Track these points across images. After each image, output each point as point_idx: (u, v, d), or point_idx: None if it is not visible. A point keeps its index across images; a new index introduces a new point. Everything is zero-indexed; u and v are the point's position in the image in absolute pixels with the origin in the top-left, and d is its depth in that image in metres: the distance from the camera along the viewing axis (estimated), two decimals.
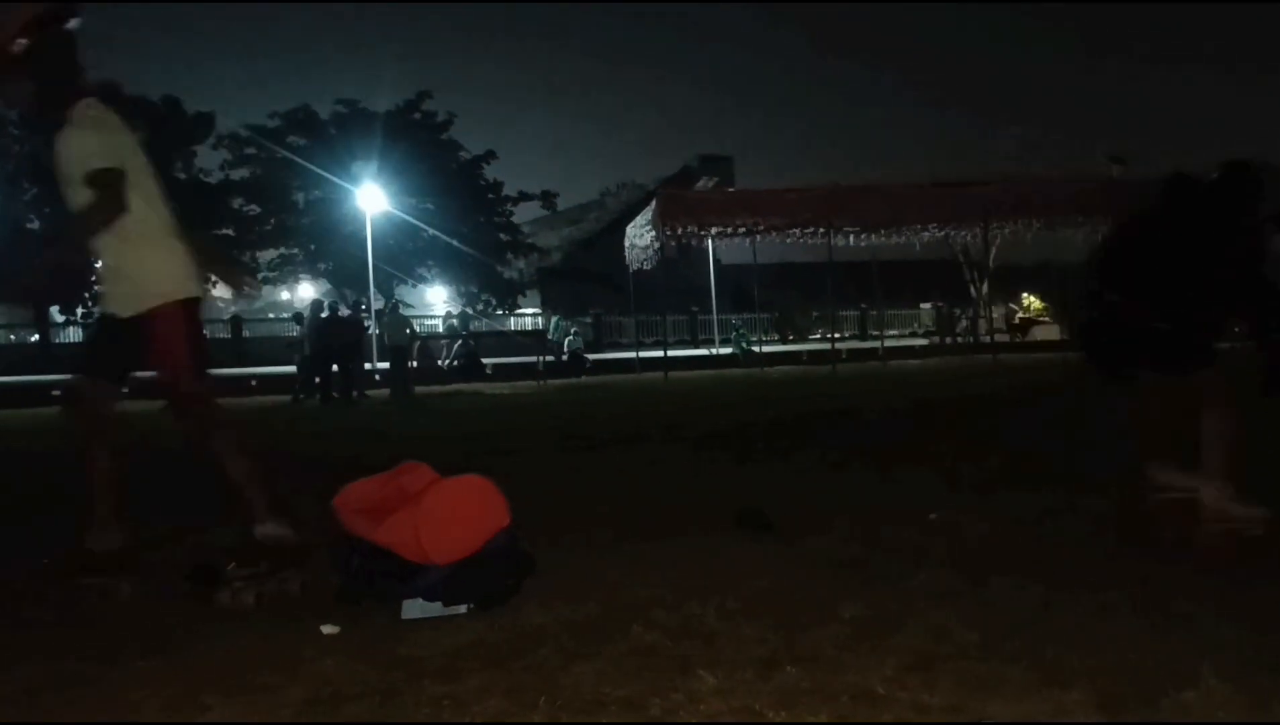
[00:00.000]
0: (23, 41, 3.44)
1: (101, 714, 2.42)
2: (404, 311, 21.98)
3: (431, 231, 38.55)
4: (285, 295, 56.36)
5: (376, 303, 31.04)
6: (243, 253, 39.87)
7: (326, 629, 2.97)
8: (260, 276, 43.13)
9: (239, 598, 3.35)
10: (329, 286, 40.76)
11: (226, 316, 40.82)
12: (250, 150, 39.15)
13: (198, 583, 3.52)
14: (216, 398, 3.97)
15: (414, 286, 42.72)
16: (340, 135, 38.36)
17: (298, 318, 21.39)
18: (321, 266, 40.86)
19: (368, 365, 21.40)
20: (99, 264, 3.73)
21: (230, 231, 38.97)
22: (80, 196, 3.52)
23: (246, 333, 38.64)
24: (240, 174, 39.41)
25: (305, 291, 52.61)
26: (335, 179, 35.45)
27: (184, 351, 3.68)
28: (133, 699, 2.50)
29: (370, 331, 23.47)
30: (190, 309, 3.73)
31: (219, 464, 3.71)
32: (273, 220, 39.68)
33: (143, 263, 3.68)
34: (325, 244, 38.81)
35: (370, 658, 2.74)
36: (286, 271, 42.28)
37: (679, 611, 3.05)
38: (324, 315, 18.39)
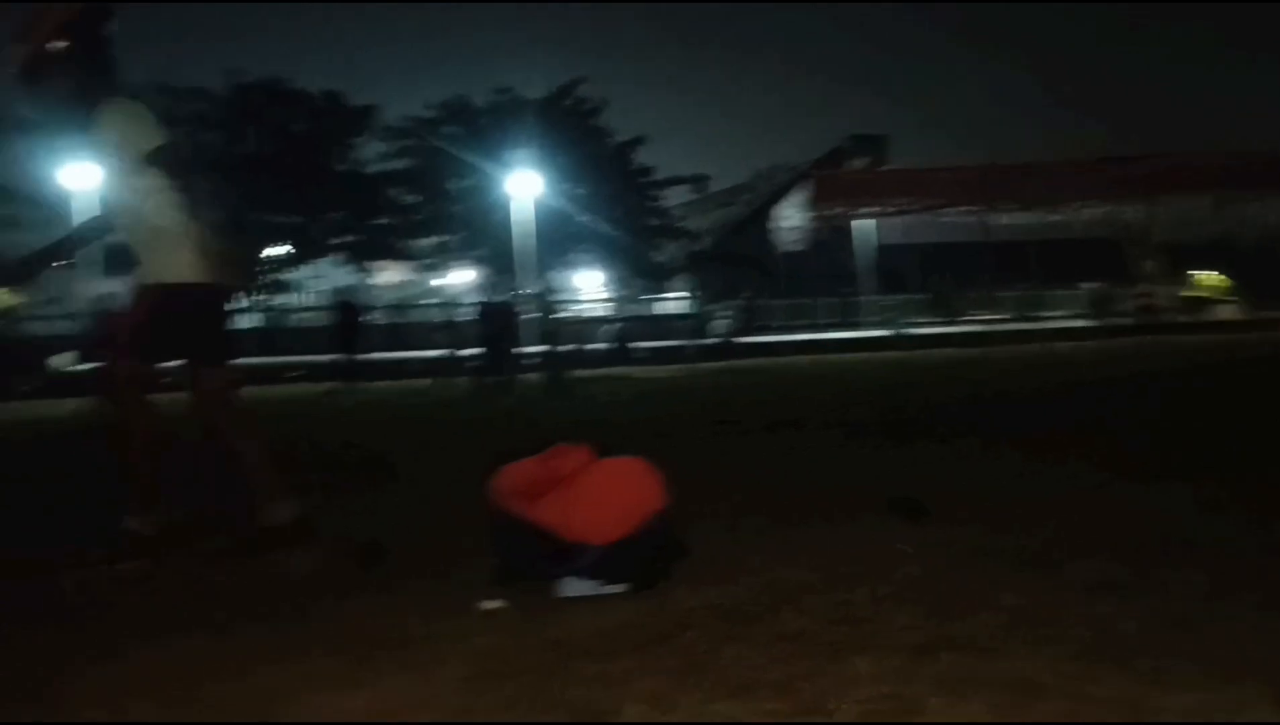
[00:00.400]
0: (60, 43, 3.59)
1: (279, 683, 2.57)
2: (554, 297, 22.34)
3: (582, 217, 39.10)
4: (440, 282, 58.03)
5: (528, 289, 31.71)
6: (401, 241, 41.36)
7: (485, 605, 3.08)
8: (419, 264, 44.70)
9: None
10: (483, 272, 41.85)
11: (385, 302, 42.30)
12: (408, 141, 40.48)
13: (365, 559, 3.71)
14: (236, 385, 4.05)
15: (565, 272, 43.45)
16: (494, 124, 39.24)
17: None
18: (476, 252, 41.99)
19: (521, 350, 21.87)
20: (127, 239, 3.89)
21: (390, 221, 40.48)
22: (116, 180, 3.78)
23: (402, 319, 39.84)
24: (398, 165, 40.78)
25: (459, 278, 54.14)
26: (489, 167, 36.33)
27: (133, 327, 3.79)
28: (305, 670, 2.64)
29: (522, 317, 23.97)
30: (175, 296, 3.77)
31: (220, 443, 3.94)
32: (429, 209, 40.94)
33: (151, 247, 3.81)
34: (479, 231, 39.81)
35: (526, 636, 2.83)
36: (443, 258, 43.60)
37: (829, 596, 3.04)
38: (478, 302, 18.91)
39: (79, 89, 3.66)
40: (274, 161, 37.23)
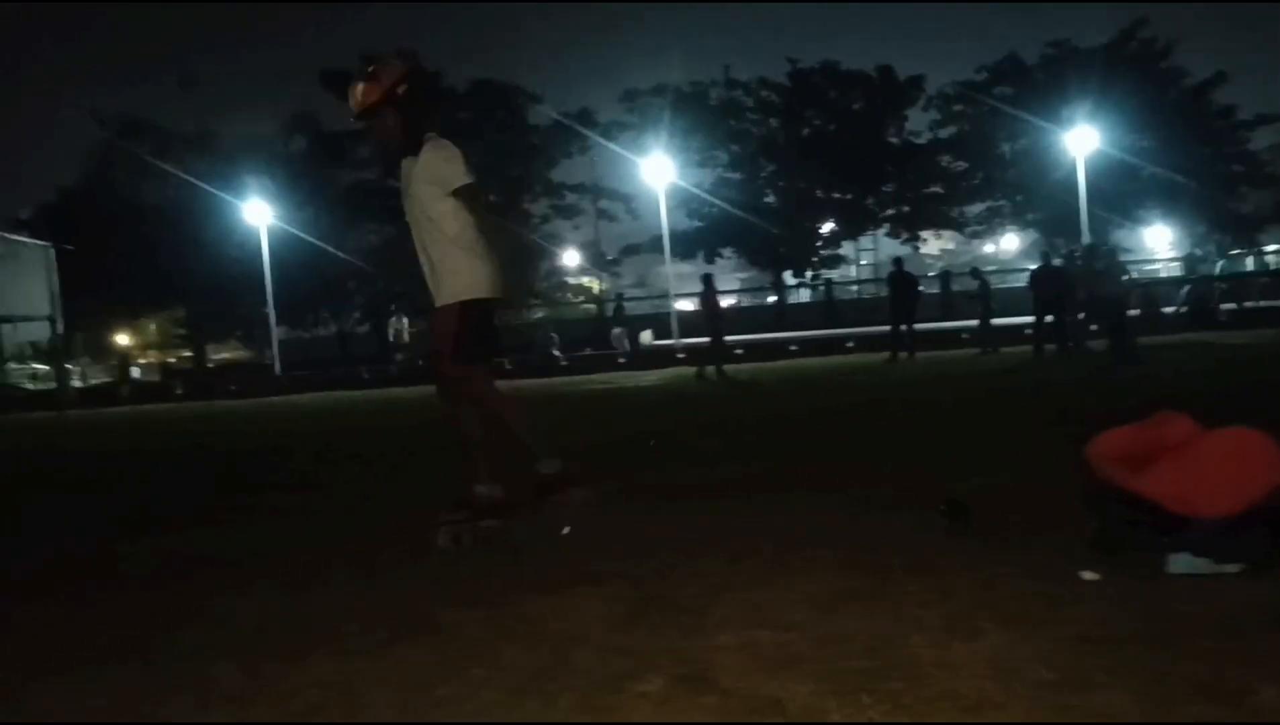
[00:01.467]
0: (403, 87, 4.28)
1: (892, 630, 2.76)
2: (1120, 257, 20.69)
3: (1150, 169, 35.63)
4: (990, 248, 56.31)
5: (1089, 250, 29.61)
6: (951, 209, 40.77)
7: (1086, 575, 3.04)
8: (969, 230, 43.78)
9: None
10: (1037, 236, 39.91)
11: (934, 272, 41.99)
12: (958, 107, 39.73)
13: (950, 516, 3.83)
14: (487, 379, 4.55)
15: (1131, 230, 39.90)
16: (1048, 80, 37.12)
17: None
18: (1029, 216, 40.14)
19: (1081, 316, 20.60)
20: (422, 260, 4.45)
21: (940, 189, 40.10)
22: (430, 208, 4.30)
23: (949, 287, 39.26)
24: (948, 132, 40.18)
25: (1010, 243, 52.09)
26: (1043, 125, 34.43)
27: (450, 340, 4.34)
28: (918, 618, 2.81)
29: (1082, 281, 22.50)
30: (469, 309, 4.33)
31: (460, 430, 4.46)
32: (980, 174, 39.85)
33: (452, 266, 4.34)
34: (1032, 193, 37.98)
35: (1132, 607, 2.75)
36: (994, 224, 42.29)
37: None
38: (1034, 267, 18.13)
39: (410, 129, 4.33)
40: (831, 141, 38.61)
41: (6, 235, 27.21)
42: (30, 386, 27.88)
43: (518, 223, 40.04)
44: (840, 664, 2.44)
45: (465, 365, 4.40)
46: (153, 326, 48.98)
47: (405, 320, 28.67)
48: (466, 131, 39.02)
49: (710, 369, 17.25)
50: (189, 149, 39.51)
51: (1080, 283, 16.27)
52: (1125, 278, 18.44)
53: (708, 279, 18.93)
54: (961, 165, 40.24)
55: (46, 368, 28.28)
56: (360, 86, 4.31)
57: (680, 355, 24.43)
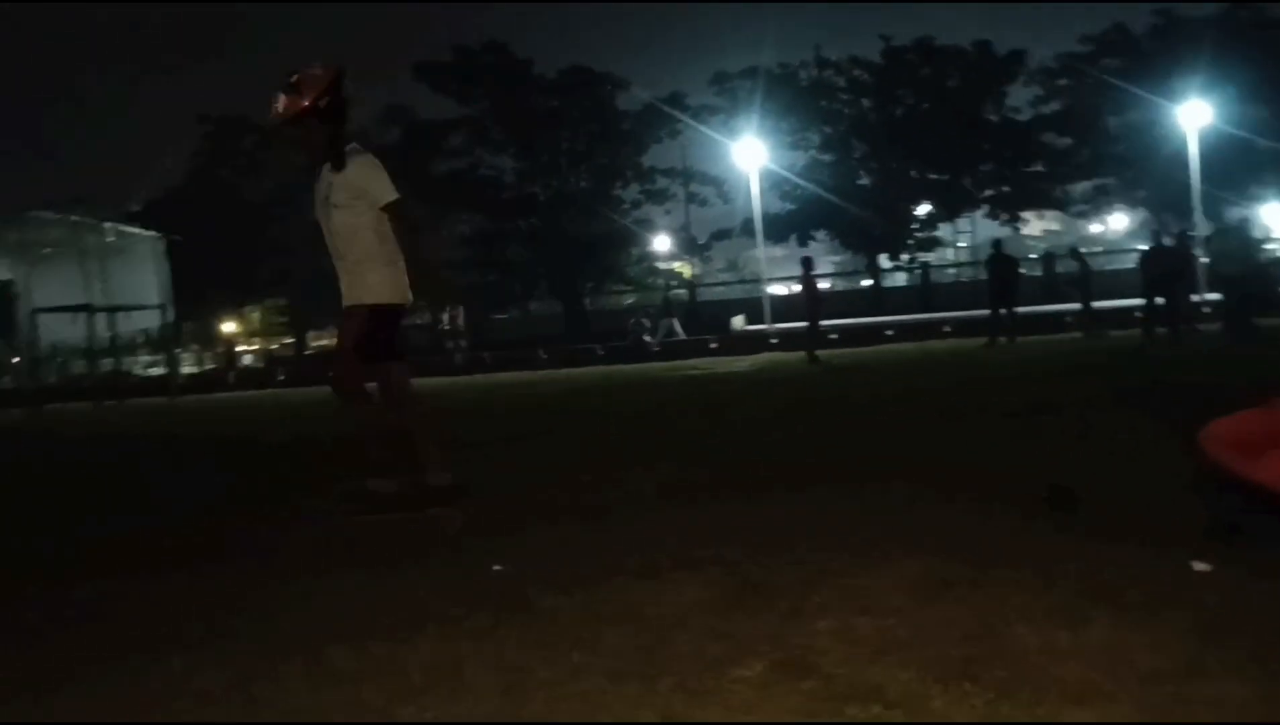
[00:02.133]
0: (325, 99, 4.36)
1: (994, 614, 2.72)
2: (1252, 231, 19.77)
3: (1266, 143, 34.05)
4: (1097, 228, 54.60)
5: (1204, 228, 28.52)
6: (1054, 188, 39.59)
7: (1198, 566, 2.95)
8: (1074, 210, 42.48)
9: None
10: (1146, 215, 38.54)
11: (1036, 254, 40.86)
12: (1061, 82, 38.52)
13: (1056, 503, 3.76)
14: (407, 379, 4.73)
15: (1247, 207, 38.24)
16: (1157, 51, 35.70)
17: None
18: (1138, 195, 38.78)
19: (1196, 297, 19.89)
20: (337, 265, 4.57)
21: (1042, 168, 38.96)
22: (354, 219, 4.41)
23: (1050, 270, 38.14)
24: (1050, 108, 39.00)
25: (1118, 223, 50.41)
26: (1153, 98, 33.17)
27: (355, 339, 4.47)
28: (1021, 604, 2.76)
29: (1199, 259, 21.70)
30: (378, 313, 4.48)
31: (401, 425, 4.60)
32: (1085, 151, 38.55)
33: (367, 272, 4.47)
34: (1141, 170, 36.61)
35: (1247, 597, 2.67)
36: (1100, 203, 40.97)
37: None
38: (1146, 246, 17.52)
39: (331, 140, 4.42)
40: (926, 120, 37.79)
41: (120, 227, 28.36)
42: (143, 373, 29.04)
43: (608, 209, 40.23)
44: (941, 651, 2.41)
45: (367, 363, 4.55)
46: (255, 315, 50.57)
47: (460, 309, 29.13)
48: (556, 119, 39.39)
49: (817, 353, 17.15)
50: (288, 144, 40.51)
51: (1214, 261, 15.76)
52: (1256, 254, 17.67)
53: (807, 262, 18.78)
54: (1065, 142, 38.93)
55: (158, 355, 29.43)
56: (283, 98, 4.39)
57: (773, 340, 24.29)
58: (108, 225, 25.83)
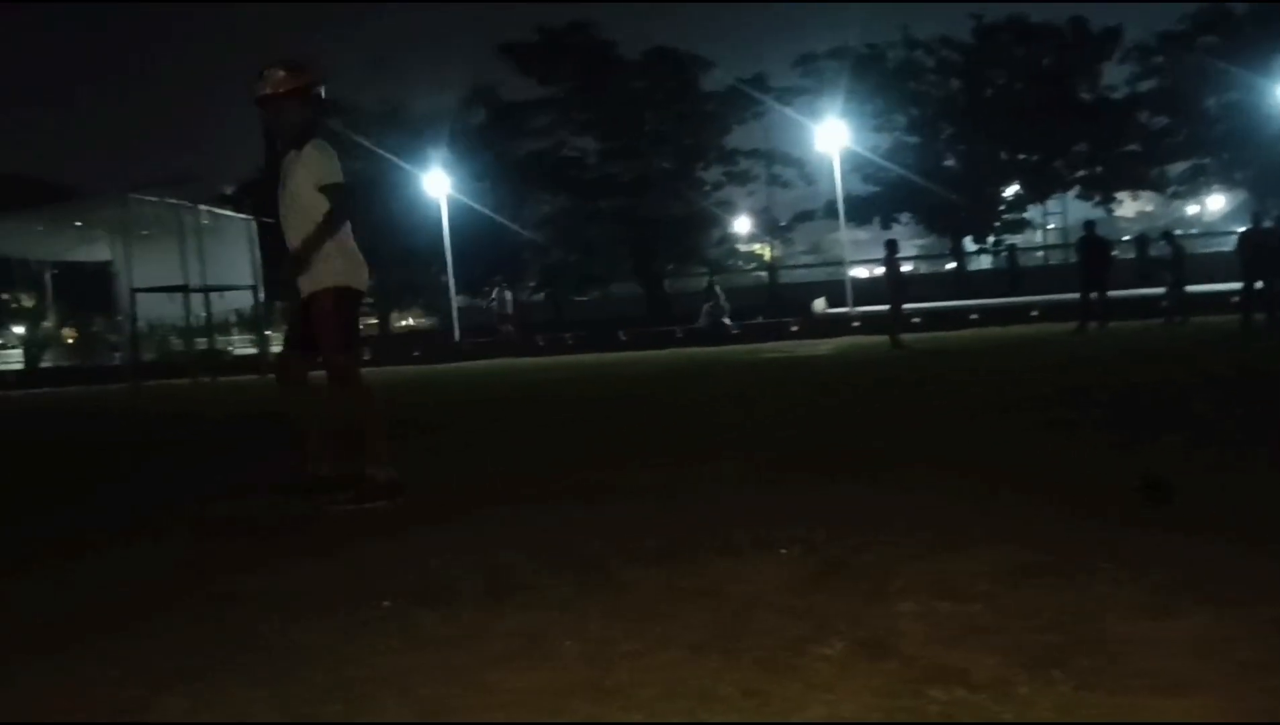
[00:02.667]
0: (319, 88, 4.62)
1: (1094, 606, 2.68)
2: None
3: None
4: (1193, 210, 52.84)
5: None
6: (1149, 168, 38.38)
7: None
8: (1169, 191, 41.14)
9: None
10: (1245, 196, 37.17)
11: (1130, 236, 39.69)
12: (1158, 60, 37.27)
13: (1151, 492, 3.68)
14: (357, 367, 4.81)
15: None
16: (1258, 29, 34.32)
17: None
18: (1237, 176, 37.41)
19: None
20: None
21: (1137, 148, 37.78)
22: (306, 200, 4.53)
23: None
24: (1147, 86, 37.78)
25: (1215, 204, 48.70)
26: (1254, 77, 31.93)
27: (330, 330, 4.59)
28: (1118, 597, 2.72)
29: None
30: (343, 297, 4.60)
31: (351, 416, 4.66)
32: (1182, 131, 37.26)
33: (324, 255, 4.56)
34: (1241, 150, 35.32)
35: None
36: (1197, 184, 39.61)
37: None
38: (1244, 228, 16.90)
39: (306, 127, 4.61)
40: (1017, 100, 36.87)
41: (214, 210, 29.13)
42: (236, 352, 29.85)
43: (690, 190, 40.12)
44: (1027, 638, 2.39)
45: (344, 352, 4.67)
46: None
47: (509, 293, 29.35)
48: (639, 100, 39.38)
49: (900, 337, 16.93)
50: (376, 125, 41.27)
51: None
52: None
53: (891, 245, 18.53)
54: (1162, 121, 37.65)
55: (250, 334, 30.23)
56: (281, 71, 4.52)
57: (855, 324, 24.01)
58: (202, 207, 26.52)
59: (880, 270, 22.91)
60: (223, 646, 2.69)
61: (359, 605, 2.99)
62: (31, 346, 46.25)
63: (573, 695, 2.20)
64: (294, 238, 4.62)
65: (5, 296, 44.91)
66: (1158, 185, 40.07)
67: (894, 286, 17.74)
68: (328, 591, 3.19)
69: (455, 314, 34.40)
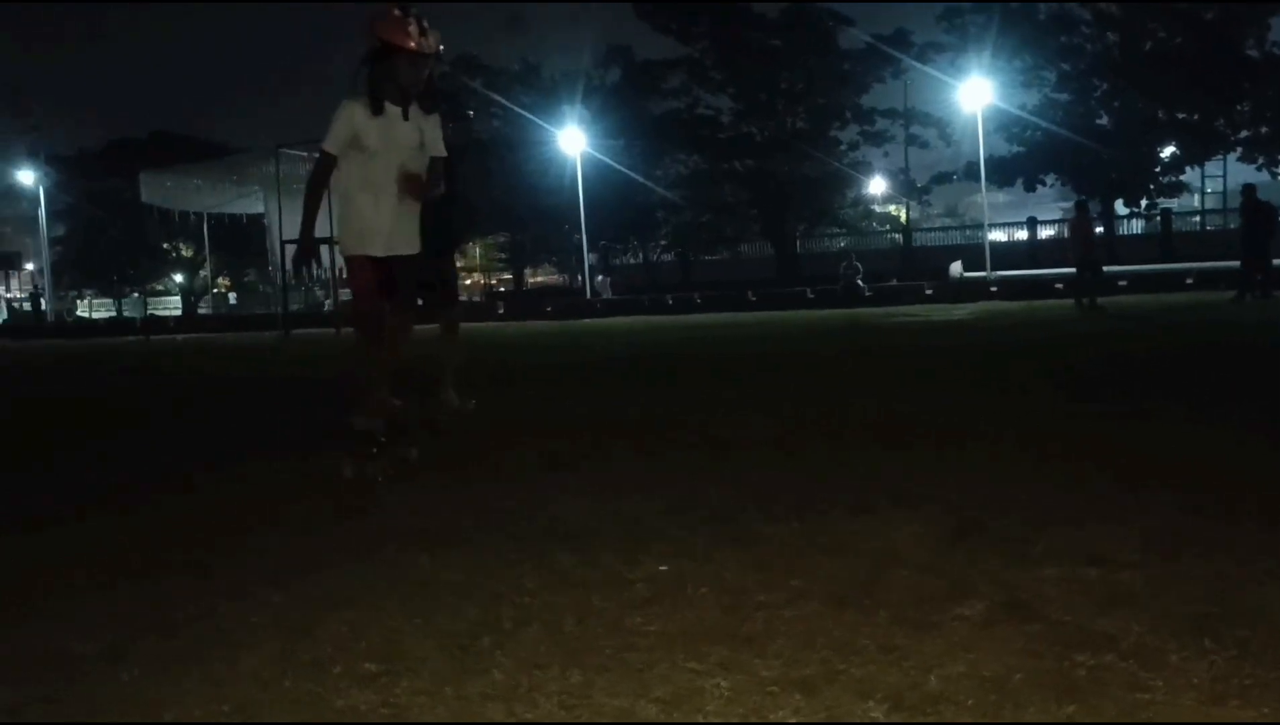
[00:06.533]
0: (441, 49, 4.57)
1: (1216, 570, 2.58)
2: None
3: None
4: None
5: None
6: None
7: None
8: None
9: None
10: None
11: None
12: None
13: None
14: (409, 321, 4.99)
15: None
16: None
17: None
18: None
19: None
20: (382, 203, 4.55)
21: None
22: (413, 161, 4.50)
23: None
24: None
25: None
26: None
27: (413, 289, 4.83)
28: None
29: None
30: (376, 263, 4.55)
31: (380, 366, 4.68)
32: None
33: (415, 217, 4.63)
34: None
35: None
36: None
37: None
38: None
39: (429, 90, 4.59)
40: (1178, 55, 34.84)
41: None
42: None
43: (824, 150, 39.41)
44: (1179, 607, 2.32)
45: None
46: (477, 250, 52.60)
47: (608, 277, 29.64)
48: (775, 58, 38.78)
49: (1086, 301, 16.58)
50: (514, 85, 41.78)
51: None
52: None
53: (1082, 206, 18.83)
54: None
55: None
56: (435, 34, 4.47)
57: (993, 288, 23.32)
58: None
59: (1021, 234, 22.06)
60: (377, 579, 2.83)
61: (499, 545, 3.09)
62: (189, 294, 48.59)
63: (711, 641, 2.23)
64: (391, 195, 4.56)
65: (166, 246, 47.43)
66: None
67: (1083, 247, 17.36)
68: (466, 529, 3.31)
69: (587, 271, 34.79)
